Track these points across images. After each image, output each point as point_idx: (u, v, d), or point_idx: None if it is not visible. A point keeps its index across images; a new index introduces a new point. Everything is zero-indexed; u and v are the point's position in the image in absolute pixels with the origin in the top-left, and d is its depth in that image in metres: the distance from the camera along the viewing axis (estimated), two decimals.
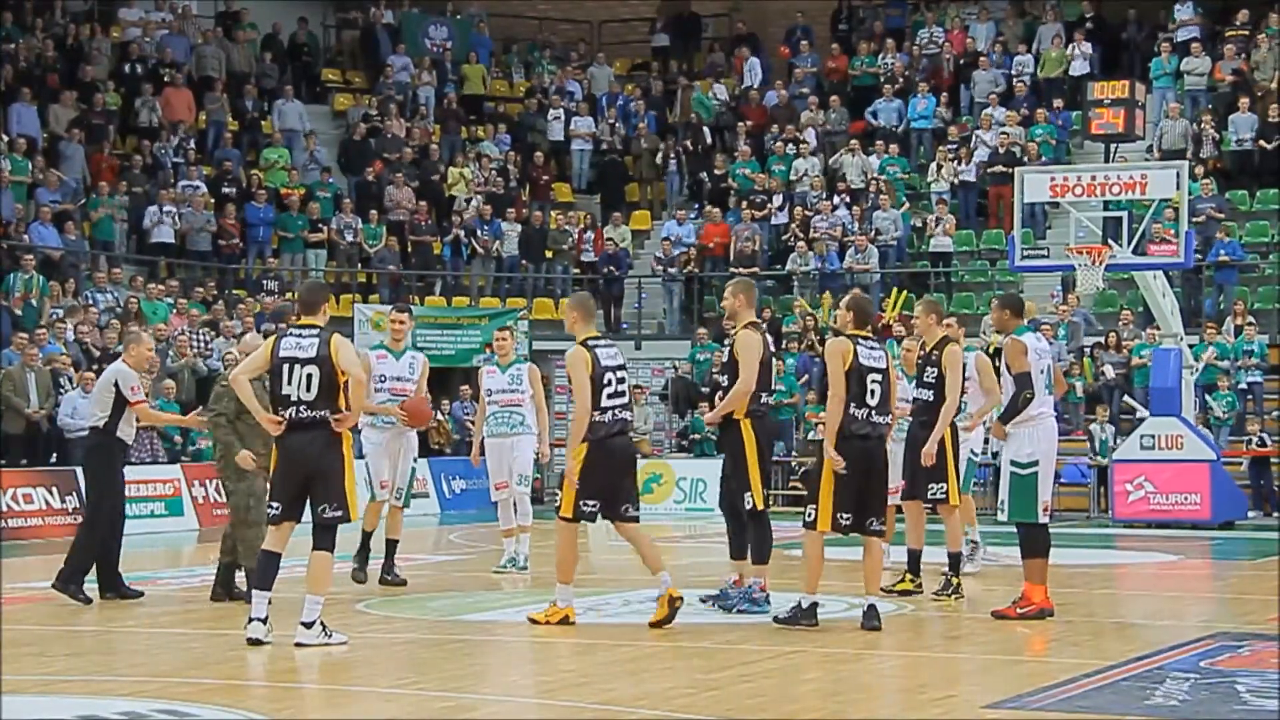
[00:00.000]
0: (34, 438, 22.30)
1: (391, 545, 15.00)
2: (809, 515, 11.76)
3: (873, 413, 11.69)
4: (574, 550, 12.03)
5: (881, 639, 11.45)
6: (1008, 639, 11.70)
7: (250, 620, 10.99)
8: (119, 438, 13.82)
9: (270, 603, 11.11)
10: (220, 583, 13.69)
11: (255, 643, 10.91)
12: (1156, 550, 19.21)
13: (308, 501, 11.07)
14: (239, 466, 13.13)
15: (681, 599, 11.90)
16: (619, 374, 11.94)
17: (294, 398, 10.94)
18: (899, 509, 14.38)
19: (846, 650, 10.94)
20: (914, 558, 14.04)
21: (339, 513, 11.00)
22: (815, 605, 11.75)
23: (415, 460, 15.23)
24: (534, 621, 12.05)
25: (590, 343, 11.95)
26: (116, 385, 13.70)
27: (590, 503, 11.85)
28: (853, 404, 11.63)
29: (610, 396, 11.84)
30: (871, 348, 11.83)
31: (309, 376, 10.91)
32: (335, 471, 10.98)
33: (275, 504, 11.07)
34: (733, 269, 30.74)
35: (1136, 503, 22.98)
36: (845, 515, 11.65)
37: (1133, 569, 18.01)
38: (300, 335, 11.09)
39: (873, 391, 11.69)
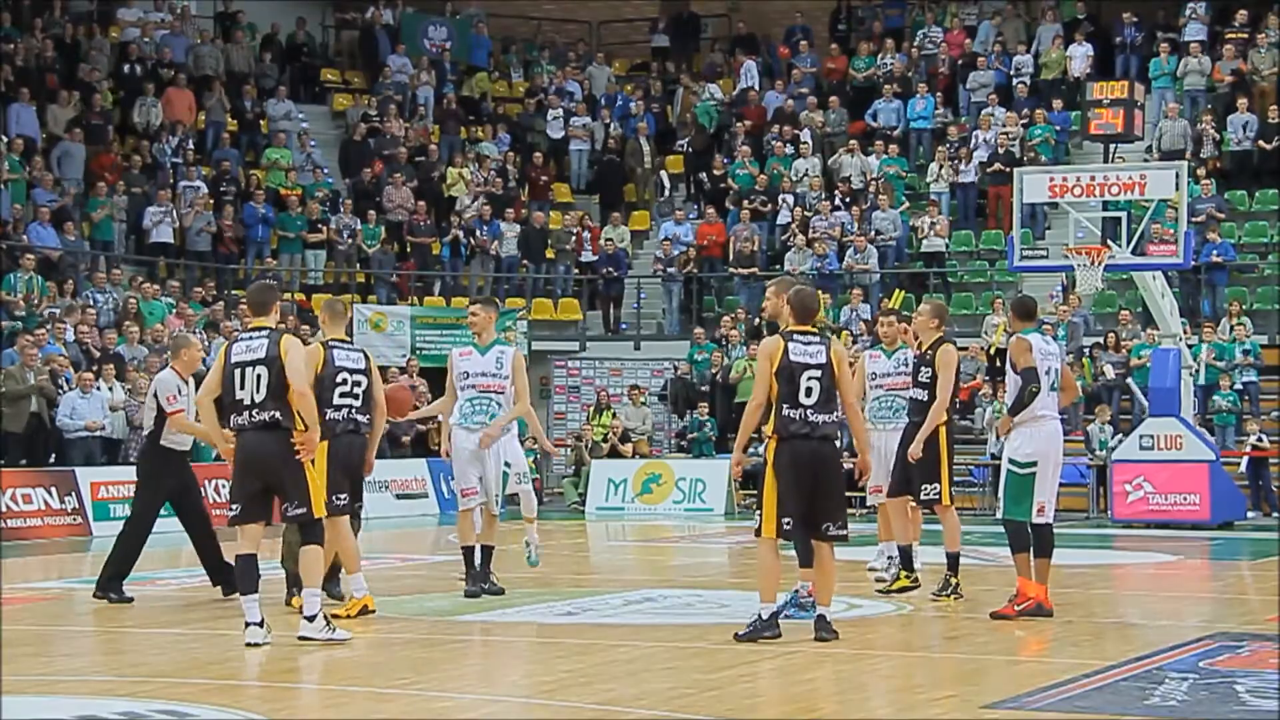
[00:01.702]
0: (34, 438, 22.30)
1: (487, 552, 13.69)
2: (757, 521, 11.28)
3: (809, 411, 11.05)
4: (351, 541, 12.50)
5: (881, 639, 11.42)
6: (1006, 639, 11.68)
7: (247, 625, 10.98)
8: (164, 446, 13.75)
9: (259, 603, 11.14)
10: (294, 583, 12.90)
11: (255, 647, 10.91)
12: (1155, 550, 19.19)
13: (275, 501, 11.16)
14: None
15: (373, 612, 12.30)
16: (355, 376, 12.42)
17: (246, 401, 10.95)
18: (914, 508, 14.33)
19: (846, 650, 10.91)
20: (905, 554, 13.98)
21: (301, 510, 11.02)
22: (776, 615, 11.23)
23: (507, 464, 13.74)
24: (336, 617, 11.98)
25: (331, 343, 12.46)
26: (156, 395, 13.69)
27: (340, 496, 12.33)
28: (785, 405, 11.06)
29: (342, 395, 12.35)
30: (807, 343, 11.18)
31: (259, 377, 10.91)
32: (293, 470, 10.99)
33: (235, 505, 11.11)
34: (731, 269, 30.78)
35: (1135, 503, 22.95)
36: (787, 520, 11.06)
37: (1131, 569, 17.99)
38: (250, 338, 11.08)
39: (808, 390, 11.05)
